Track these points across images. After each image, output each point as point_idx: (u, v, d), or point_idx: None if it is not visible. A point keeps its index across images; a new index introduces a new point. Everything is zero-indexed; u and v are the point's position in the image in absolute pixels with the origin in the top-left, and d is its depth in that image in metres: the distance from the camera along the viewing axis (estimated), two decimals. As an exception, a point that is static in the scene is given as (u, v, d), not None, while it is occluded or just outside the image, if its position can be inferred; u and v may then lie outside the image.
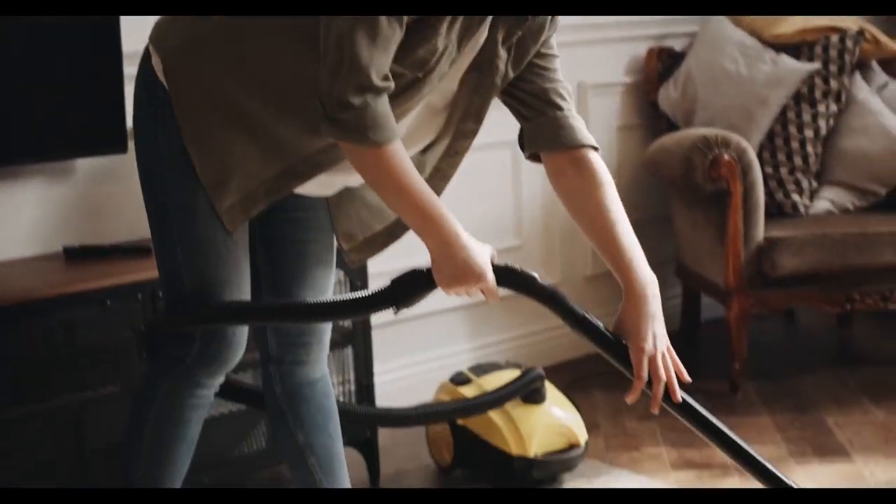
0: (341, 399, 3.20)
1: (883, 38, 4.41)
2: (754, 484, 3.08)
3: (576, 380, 3.84)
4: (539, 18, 2.05)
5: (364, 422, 3.14)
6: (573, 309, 2.00)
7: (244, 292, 2.20)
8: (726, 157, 3.81)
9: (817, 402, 3.79)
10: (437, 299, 3.90)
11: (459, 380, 3.29)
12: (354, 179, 2.14)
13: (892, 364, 4.23)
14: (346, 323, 3.17)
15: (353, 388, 3.23)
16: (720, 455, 3.35)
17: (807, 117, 4.22)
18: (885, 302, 3.90)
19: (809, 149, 4.21)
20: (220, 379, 2.26)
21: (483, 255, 1.97)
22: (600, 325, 2.01)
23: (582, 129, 2.12)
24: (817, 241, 3.85)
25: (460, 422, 3.20)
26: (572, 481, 3.20)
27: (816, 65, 4.23)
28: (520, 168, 4.05)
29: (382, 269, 3.24)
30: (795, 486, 2.04)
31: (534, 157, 2.17)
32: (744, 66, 4.23)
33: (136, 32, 2.82)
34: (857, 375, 4.05)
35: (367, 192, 2.23)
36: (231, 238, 2.13)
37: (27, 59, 2.91)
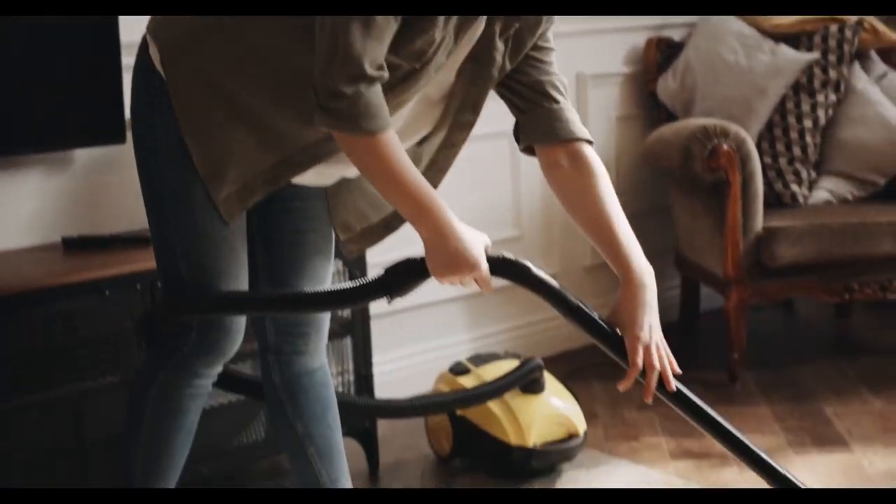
0: (340, 389, 3.20)
1: (882, 27, 4.41)
2: (752, 474, 3.08)
3: (574, 370, 3.84)
4: None
5: (363, 413, 3.14)
6: (567, 298, 1.99)
7: (241, 282, 2.20)
8: (725, 147, 3.81)
9: (816, 391, 3.80)
10: (435, 290, 3.91)
11: (458, 370, 3.29)
12: (351, 170, 2.14)
13: (890, 354, 4.23)
14: (345, 313, 3.17)
15: (351, 378, 3.23)
16: (718, 445, 3.36)
17: (806, 107, 4.22)
18: (884, 292, 3.90)
19: (808, 139, 4.21)
20: (218, 368, 2.26)
21: (477, 244, 1.97)
22: (595, 314, 2.01)
23: (577, 123, 2.13)
24: (816, 232, 3.85)
25: (459, 412, 3.21)
26: (571, 471, 3.20)
27: (815, 55, 4.23)
28: (519, 159, 4.04)
29: (381, 259, 3.22)
30: (789, 476, 2.04)
31: (528, 149, 2.17)
32: (743, 56, 4.23)
33: (134, 23, 2.81)
34: (856, 365, 4.05)
35: (364, 182, 2.23)
36: (228, 228, 2.13)
37: (26, 50, 2.90)
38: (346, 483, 2.47)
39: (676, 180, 4.19)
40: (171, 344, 2.20)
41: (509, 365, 3.21)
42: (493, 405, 3.14)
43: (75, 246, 2.99)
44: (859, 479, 3.10)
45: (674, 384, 2.01)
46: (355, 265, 3.13)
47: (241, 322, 2.22)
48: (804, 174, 4.19)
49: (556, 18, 2.12)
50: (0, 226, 3.04)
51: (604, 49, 4.37)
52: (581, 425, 3.20)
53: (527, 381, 3.15)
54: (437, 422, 3.31)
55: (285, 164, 2.07)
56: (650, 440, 3.43)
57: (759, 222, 3.87)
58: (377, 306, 3.56)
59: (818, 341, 4.47)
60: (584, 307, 2.00)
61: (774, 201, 4.12)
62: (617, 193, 4.83)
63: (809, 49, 4.26)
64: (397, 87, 1.98)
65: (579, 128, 2.12)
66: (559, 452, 3.16)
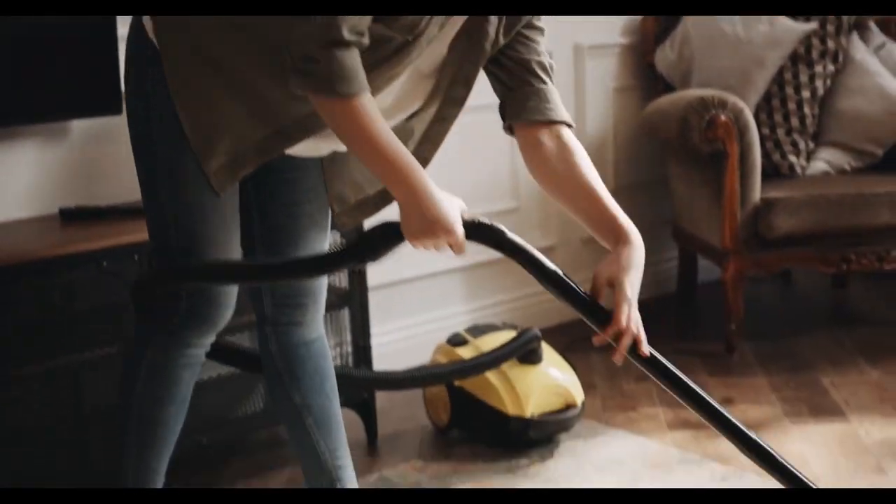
0: (338, 361, 3.21)
1: (881, -3, 4.40)
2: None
3: (572, 342, 3.85)
4: None
5: (361, 385, 3.15)
6: (543, 263, 1.99)
7: (232, 252, 2.20)
8: (723, 117, 3.81)
9: (813, 362, 3.81)
10: (433, 261, 3.92)
11: (456, 341, 3.30)
12: (342, 145, 2.14)
13: (887, 324, 4.25)
14: (343, 284, 3.18)
15: (349, 349, 3.23)
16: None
17: (804, 78, 4.21)
18: (881, 262, 3.90)
19: (806, 110, 4.21)
20: (211, 338, 2.26)
21: (453, 208, 1.96)
22: (570, 280, 2.01)
23: (561, 105, 2.14)
24: (814, 202, 3.85)
25: (457, 383, 3.21)
26: (569, 441, 3.21)
27: (814, 25, 4.22)
28: (516, 130, 4.03)
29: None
30: (760, 442, 2.05)
31: (509, 128, 2.18)
32: (741, 26, 4.21)
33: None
34: (853, 336, 4.06)
35: (359, 154, 2.22)
36: (219, 199, 2.13)
37: (21, 21, 2.89)
38: (345, 453, 2.48)
39: (674, 151, 4.19)
40: (162, 314, 2.20)
41: (507, 336, 3.22)
42: (491, 376, 3.15)
43: (73, 217, 2.99)
44: (856, 448, 3.11)
45: (646, 349, 2.01)
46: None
47: (230, 293, 2.22)
48: (802, 145, 4.18)
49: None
50: (-3, 197, 3.05)
51: (601, 20, 4.36)
52: (579, 396, 3.21)
53: (524, 351, 3.15)
54: (434, 393, 3.32)
55: (276, 136, 2.07)
56: (648, 411, 3.44)
57: (756, 193, 3.87)
58: (376, 277, 3.56)
59: (815, 312, 4.48)
60: (560, 272, 1.99)
61: (772, 172, 4.12)
62: (614, 165, 4.86)
63: (807, 19, 4.25)
64: (390, 59, 1.98)
65: (564, 110, 2.14)
66: (557, 423, 3.17)
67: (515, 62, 2.10)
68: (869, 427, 3.25)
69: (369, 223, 2.26)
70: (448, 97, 2.11)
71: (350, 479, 2.49)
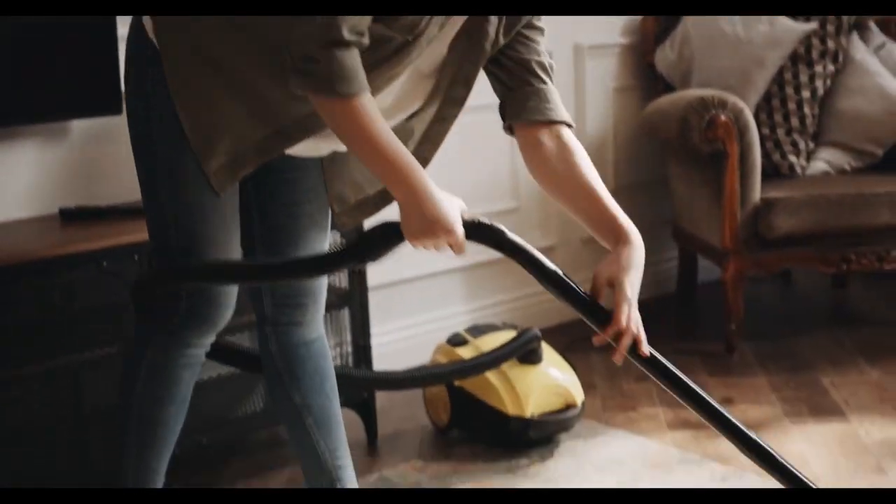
0: (338, 360, 3.21)
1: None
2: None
3: (572, 342, 3.84)
4: None
5: (361, 386, 3.14)
6: (543, 263, 1.99)
7: (232, 253, 2.20)
8: (723, 117, 3.81)
9: (813, 362, 3.81)
10: (433, 261, 3.92)
11: (456, 341, 3.30)
12: (342, 145, 2.14)
13: (887, 324, 4.24)
14: (343, 284, 3.18)
15: (349, 349, 3.23)
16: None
17: (804, 78, 4.21)
18: (881, 262, 3.90)
19: (806, 110, 4.21)
20: (211, 338, 2.26)
21: (453, 208, 1.96)
22: (570, 280, 2.01)
23: (562, 105, 2.14)
24: (814, 202, 3.85)
25: (457, 383, 3.21)
26: (569, 441, 3.21)
27: (814, 25, 4.22)
28: (516, 130, 4.03)
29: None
30: (758, 439, 2.05)
31: (509, 128, 2.18)
32: (741, 26, 4.21)
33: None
34: (853, 336, 4.06)
35: (359, 154, 2.22)
36: (219, 199, 2.13)
37: (21, 21, 2.89)
38: (345, 453, 2.48)
39: (674, 151, 4.19)
40: (162, 314, 2.20)
41: (507, 336, 3.22)
42: (491, 376, 3.15)
43: (73, 217, 2.99)
44: (855, 448, 3.11)
45: (646, 349, 2.01)
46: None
47: (230, 294, 2.22)
48: (802, 145, 4.18)
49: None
50: (-3, 197, 3.05)
51: (601, 20, 4.36)
52: (579, 396, 3.21)
53: (524, 351, 3.15)
54: (434, 393, 3.32)
55: (277, 136, 2.07)
56: (648, 411, 3.44)
57: (756, 193, 3.87)
58: (376, 277, 3.56)
59: (815, 312, 4.48)
60: (559, 272, 1.99)
61: (772, 172, 4.12)
62: (614, 165, 4.86)
63: (807, 19, 4.25)
64: (390, 59, 1.98)
65: (564, 110, 2.14)
66: (557, 423, 3.17)
67: (515, 62, 2.10)
68: (869, 427, 3.25)
69: (369, 223, 2.26)
70: (448, 97, 2.11)
71: (350, 479, 2.49)
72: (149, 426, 2.26)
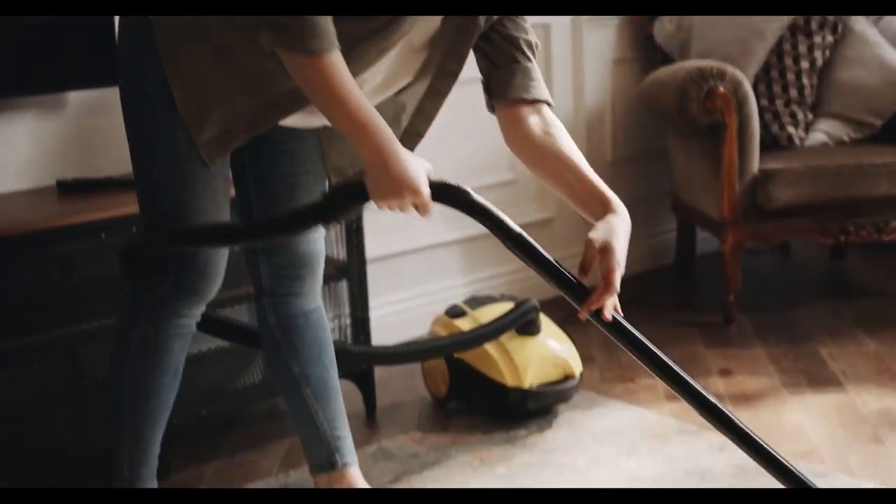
0: (336, 333, 3.21)
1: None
2: (742, 416, 3.11)
3: (570, 314, 3.81)
4: None
5: (360, 360, 3.14)
6: (508, 226, 1.99)
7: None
8: (721, 88, 3.80)
9: (811, 333, 3.81)
10: (431, 233, 3.92)
11: (454, 312, 3.30)
12: None
13: (885, 296, 4.25)
14: (342, 256, 3.18)
15: (348, 321, 3.23)
16: (714, 385, 3.38)
17: (803, 48, 4.20)
18: (880, 233, 3.90)
19: (805, 80, 4.19)
20: (200, 309, 2.26)
21: (419, 168, 1.96)
22: (535, 242, 2.01)
23: (544, 85, 2.15)
24: (812, 173, 3.85)
25: (456, 354, 3.22)
26: (567, 412, 3.22)
27: (813, -4, 4.21)
28: (514, 101, 4.02)
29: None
30: (714, 401, 2.08)
31: (491, 107, 2.18)
32: (740, -3, 4.20)
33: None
34: (851, 307, 4.06)
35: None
36: (210, 171, 2.13)
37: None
38: (343, 424, 2.49)
39: (673, 123, 4.18)
40: (151, 285, 2.20)
41: (505, 307, 3.22)
42: (490, 347, 3.15)
43: (70, 189, 2.98)
44: (853, 418, 3.12)
45: (610, 314, 2.02)
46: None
47: (217, 264, 2.21)
48: (801, 116, 4.18)
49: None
50: (-6, 169, 3.04)
51: (600, -9, 4.34)
52: (577, 367, 3.21)
53: (523, 322, 3.16)
54: (433, 364, 3.32)
55: (268, 108, 2.07)
56: (646, 382, 3.44)
57: (755, 164, 3.87)
58: (374, 249, 3.56)
59: (814, 283, 4.48)
60: (524, 235, 2.00)
61: (771, 143, 4.11)
62: (612, 137, 4.84)
63: (807, -10, 4.24)
64: (382, 31, 1.97)
65: (546, 90, 2.15)
66: (555, 394, 3.17)
67: (504, 38, 2.11)
68: (866, 397, 3.26)
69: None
70: (441, 71, 2.11)
71: (349, 450, 2.50)
72: (141, 397, 2.26)
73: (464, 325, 3.21)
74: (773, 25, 4.14)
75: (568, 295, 2.02)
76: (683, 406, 3.24)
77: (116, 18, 2.95)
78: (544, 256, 2.00)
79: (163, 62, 2.06)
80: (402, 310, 3.88)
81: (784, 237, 4.17)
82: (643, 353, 2.06)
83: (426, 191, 1.95)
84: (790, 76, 4.18)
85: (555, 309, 3.61)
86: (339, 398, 2.49)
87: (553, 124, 2.12)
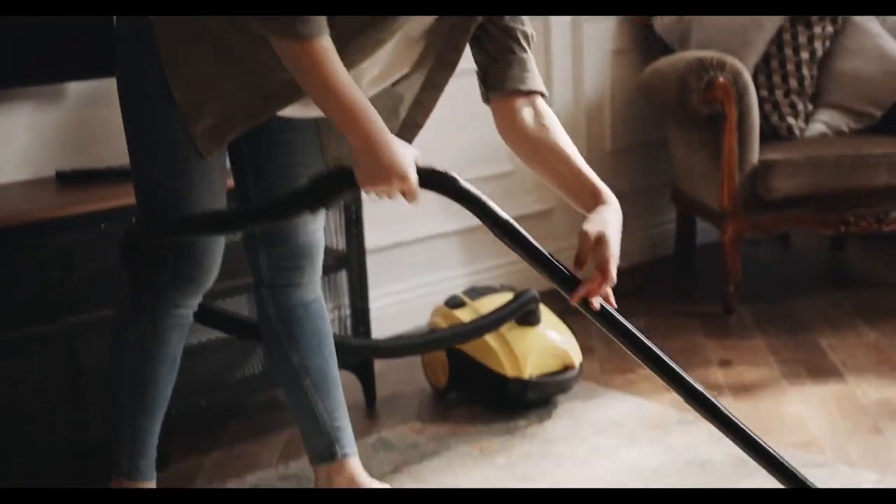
0: (336, 323, 3.21)
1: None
2: (744, 404, 3.11)
3: (570, 305, 3.84)
4: None
5: (360, 354, 3.14)
6: (495, 212, 2.00)
7: None
8: (721, 79, 3.79)
9: (811, 324, 3.81)
10: (432, 224, 3.91)
11: (454, 303, 3.30)
12: None
13: (885, 286, 4.25)
14: (341, 247, 3.17)
15: (348, 312, 3.23)
16: (713, 376, 3.38)
17: (803, 39, 4.19)
18: (879, 224, 3.90)
19: (805, 71, 4.19)
20: (197, 299, 2.27)
21: (407, 155, 1.97)
22: (523, 230, 2.02)
23: (539, 76, 2.16)
24: (812, 164, 3.84)
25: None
26: (567, 403, 3.22)
27: (813, -14, 4.20)
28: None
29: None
30: (701, 389, 2.08)
31: (487, 98, 2.18)
32: (740, -13, 4.19)
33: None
34: (851, 298, 4.06)
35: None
36: (207, 162, 2.13)
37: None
38: (343, 415, 2.49)
39: (672, 113, 4.18)
40: (149, 275, 2.20)
41: (505, 298, 3.22)
42: (489, 338, 3.15)
43: (69, 180, 2.98)
44: (853, 409, 3.12)
45: (598, 304, 2.03)
46: (352, 200, 3.12)
47: (212, 253, 2.21)
48: (800, 106, 4.17)
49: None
50: (-7, 160, 3.04)
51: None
52: (577, 357, 3.21)
53: (522, 313, 3.15)
54: (433, 355, 3.32)
55: (264, 99, 2.07)
56: (646, 372, 3.38)
57: (755, 155, 3.86)
58: (373, 240, 3.56)
59: (814, 274, 4.48)
60: (511, 222, 2.00)
61: (770, 134, 4.11)
62: (612, 128, 4.83)
63: (807, -20, 4.23)
64: (379, 23, 1.97)
65: (541, 81, 2.16)
66: (555, 384, 3.17)
67: (501, 29, 2.12)
68: (866, 388, 3.26)
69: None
70: (439, 62, 2.11)
71: (348, 441, 2.50)
72: (140, 387, 2.27)
73: (463, 315, 3.21)
74: (773, 16, 4.13)
75: (556, 283, 2.03)
76: (683, 396, 3.24)
77: (115, 9, 2.93)
78: (532, 244, 2.01)
79: (163, 62, 2.06)
80: (401, 300, 3.88)
81: (784, 228, 4.17)
82: (631, 342, 2.07)
83: (413, 177, 1.96)
84: (790, 66, 4.18)
85: (554, 300, 3.60)
86: (339, 389, 2.49)
87: (547, 116, 2.13)
